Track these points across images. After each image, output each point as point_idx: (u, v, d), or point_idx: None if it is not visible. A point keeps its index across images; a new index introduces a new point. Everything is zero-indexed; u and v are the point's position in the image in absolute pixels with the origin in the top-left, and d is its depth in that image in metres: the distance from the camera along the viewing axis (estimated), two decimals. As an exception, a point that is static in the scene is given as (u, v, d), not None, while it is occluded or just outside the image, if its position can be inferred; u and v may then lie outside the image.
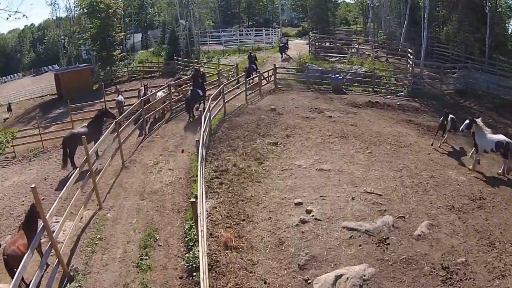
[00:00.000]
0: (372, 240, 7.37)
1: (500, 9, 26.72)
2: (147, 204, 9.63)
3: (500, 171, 11.32)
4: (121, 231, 8.59)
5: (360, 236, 7.46)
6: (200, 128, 12.05)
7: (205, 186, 9.05)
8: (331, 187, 9.37)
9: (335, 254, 7.11)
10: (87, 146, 9.35)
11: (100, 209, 9.55)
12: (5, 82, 57.92)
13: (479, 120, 11.44)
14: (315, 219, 8.07)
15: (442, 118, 13.45)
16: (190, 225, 7.97)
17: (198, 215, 6.33)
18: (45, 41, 67.40)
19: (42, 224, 6.64)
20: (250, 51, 28.04)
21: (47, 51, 65.66)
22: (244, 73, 20.97)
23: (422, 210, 8.49)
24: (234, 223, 8.20)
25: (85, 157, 9.20)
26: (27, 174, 14.36)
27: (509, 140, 11.26)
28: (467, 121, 11.49)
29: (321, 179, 9.91)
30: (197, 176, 8.90)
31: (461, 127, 11.66)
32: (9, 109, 34.57)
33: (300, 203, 8.72)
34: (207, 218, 8.06)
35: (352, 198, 8.77)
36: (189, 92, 17.33)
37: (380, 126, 15.07)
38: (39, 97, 39.32)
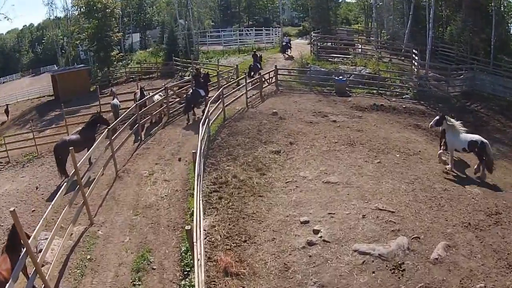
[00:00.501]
0: (387, 265, 6.72)
1: (502, 9, 26.06)
2: (141, 220, 8.99)
3: (476, 169, 10.95)
4: (112, 251, 7.96)
5: (373, 261, 6.80)
6: (198, 133, 11.39)
7: (203, 201, 8.41)
8: (340, 203, 8.70)
9: (346, 282, 6.44)
10: (75, 157, 8.68)
11: (91, 225, 8.93)
12: (3, 82, 57.15)
13: (453, 119, 11.15)
14: (324, 240, 7.39)
15: None
16: (187, 247, 7.32)
17: (194, 242, 5.69)
18: (43, 41, 66.58)
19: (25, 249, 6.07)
20: (254, 50, 27.43)
21: (46, 51, 64.76)
22: (245, 75, 20.28)
23: (437, 229, 7.85)
24: (235, 244, 7.54)
25: (77, 168, 8.56)
26: (19, 182, 13.81)
27: (486, 140, 10.87)
28: (437, 117, 11.32)
29: (328, 193, 9.23)
30: (194, 189, 8.24)
31: (430, 123, 11.44)
32: (7, 112, 33.49)
33: (307, 222, 8.04)
34: (205, 239, 7.41)
35: (363, 216, 8.09)
36: (190, 91, 16.69)
37: (387, 132, 14.44)
38: (37, 98, 38.57)
